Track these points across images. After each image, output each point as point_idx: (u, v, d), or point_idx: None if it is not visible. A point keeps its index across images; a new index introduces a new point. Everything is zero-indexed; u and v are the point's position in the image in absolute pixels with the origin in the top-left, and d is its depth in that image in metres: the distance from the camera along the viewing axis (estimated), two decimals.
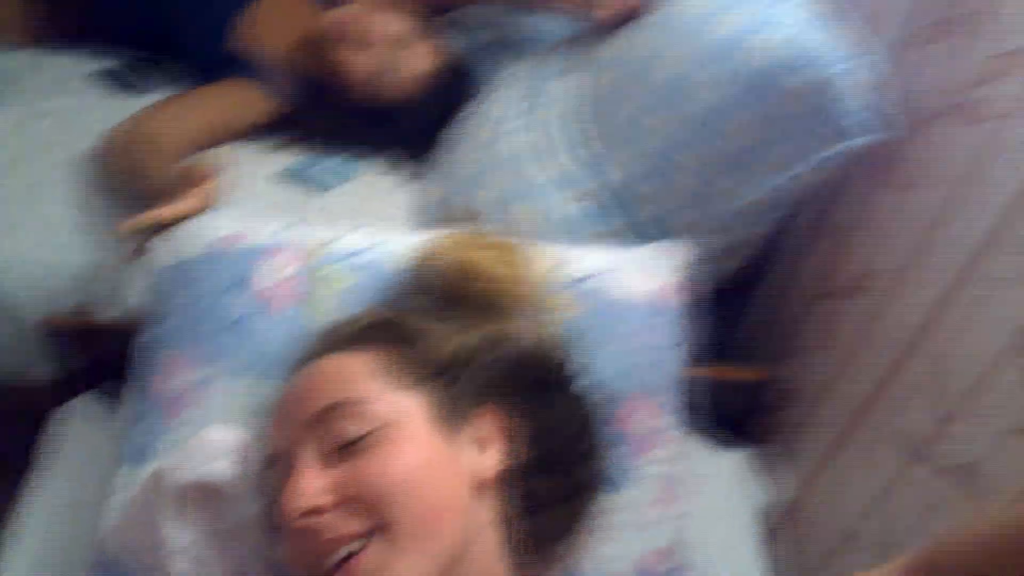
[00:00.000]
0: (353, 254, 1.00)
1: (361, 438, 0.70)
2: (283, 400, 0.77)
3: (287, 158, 1.46)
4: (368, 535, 0.67)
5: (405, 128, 1.48)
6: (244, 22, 1.51)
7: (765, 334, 1.26)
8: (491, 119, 1.36)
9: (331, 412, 0.71)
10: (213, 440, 0.84)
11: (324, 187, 1.42)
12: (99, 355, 1.15)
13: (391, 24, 1.45)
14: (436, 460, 0.72)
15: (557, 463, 0.82)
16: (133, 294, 1.23)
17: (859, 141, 0.97)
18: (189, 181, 1.13)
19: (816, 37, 1.01)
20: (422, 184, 1.44)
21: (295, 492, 0.68)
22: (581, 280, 1.00)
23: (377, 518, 0.67)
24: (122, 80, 1.54)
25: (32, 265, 1.24)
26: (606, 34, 1.30)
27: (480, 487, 0.75)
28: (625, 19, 1.28)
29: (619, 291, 1.03)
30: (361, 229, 1.05)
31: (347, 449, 0.70)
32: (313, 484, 0.69)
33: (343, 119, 1.49)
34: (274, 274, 0.97)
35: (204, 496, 0.81)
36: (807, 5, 1.10)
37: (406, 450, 0.70)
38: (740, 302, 1.30)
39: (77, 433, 1.09)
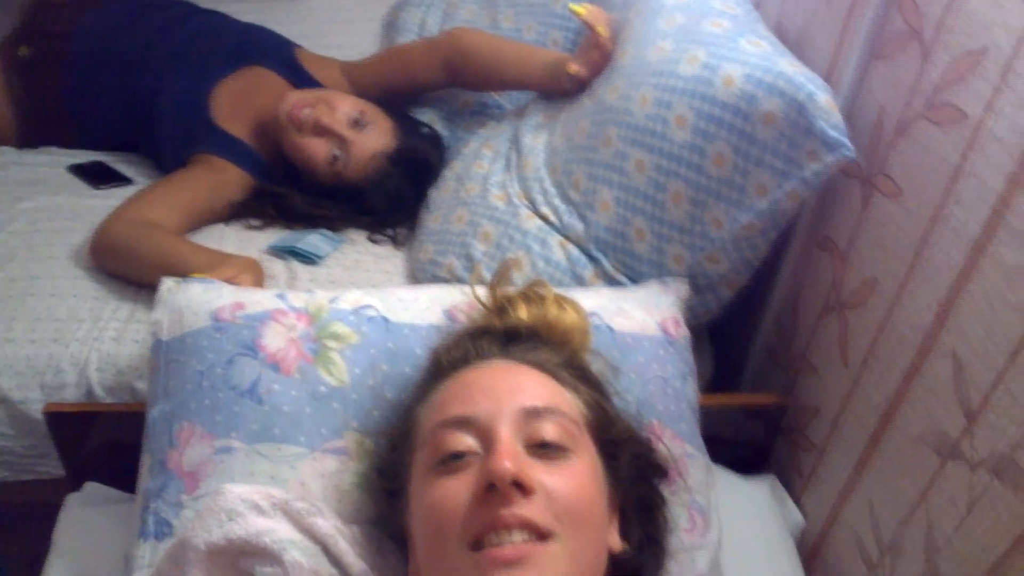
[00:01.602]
0: (357, 310, 1.00)
1: (560, 448, 0.73)
2: (488, 383, 0.78)
3: (271, 235, 1.47)
4: (541, 535, 0.67)
5: (374, 204, 1.50)
6: (212, 101, 1.54)
7: (777, 358, 1.26)
8: (477, 176, 1.38)
9: (543, 413, 0.74)
10: (232, 497, 0.82)
11: (312, 260, 1.42)
12: (105, 441, 1.13)
13: (345, 108, 1.47)
14: (603, 512, 0.76)
15: (644, 516, 0.83)
16: (136, 377, 1.22)
17: (836, 157, 0.99)
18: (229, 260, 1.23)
19: (783, 65, 1.03)
20: (411, 246, 1.44)
21: (508, 455, 0.69)
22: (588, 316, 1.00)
23: (554, 524, 0.68)
24: (94, 175, 1.56)
25: (29, 359, 1.22)
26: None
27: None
28: (597, 73, 1.32)
29: (623, 326, 1.04)
30: (359, 288, 1.05)
31: (543, 448, 0.73)
32: (520, 458, 0.70)
33: (314, 196, 1.51)
34: (282, 336, 0.96)
35: (231, 555, 0.79)
36: (767, 36, 1.14)
37: (590, 485, 0.74)
38: (748, 331, 1.30)
39: (88, 518, 1.06)
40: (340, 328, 0.97)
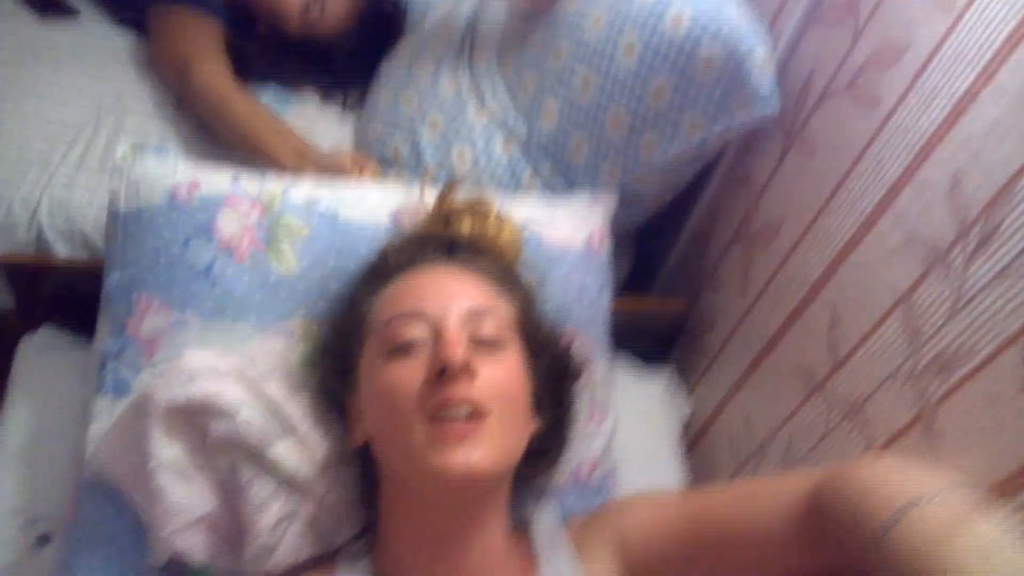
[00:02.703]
0: (309, 204, 1.06)
1: (495, 342, 0.85)
2: (437, 285, 0.89)
3: None
4: (481, 413, 0.80)
5: (337, 63, 1.51)
6: None
7: (688, 269, 1.39)
8: (431, 59, 1.41)
9: (483, 313, 0.86)
10: (194, 361, 0.93)
11: None
12: (58, 289, 1.19)
13: None
14: (527, 397, 0.89)
15: (555, 409, 0.96)
16: (87, 224, 1.27)
17: (762, 112, 1.08)
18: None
19: (730, 14, 1.09)
20: (360, 119, 1.48)
21: (458, 344, 0.81)
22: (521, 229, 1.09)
23: (491, 403, 0.81)
24: (40, 3, 1.51)
25: None
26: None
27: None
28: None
29: (553, 239, 1.13)
30: (310, 181, 1.11)
31: (482, 343, 0.85)
32: (467, 349, 0.82)
33: (276, 51, 1.51)
34: (236, 222, 1.03)
35: (189, 412, 0.90)
36: None
37: (519, 375, 0.87)
38: (667, 240, 1.42)
39: (45, 362, 1.14)
40: (292, 220, 1.04)
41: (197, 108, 1.38)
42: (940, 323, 0.82)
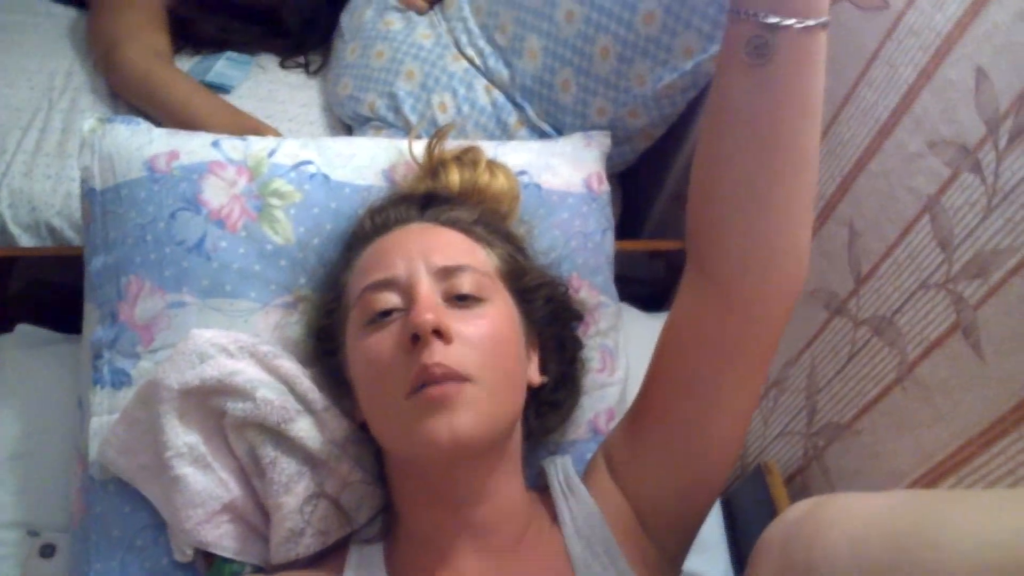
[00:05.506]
0: (297, 166, 1.00)
1: (475, 298, 0.81)
2: (405, 247, 0.84)
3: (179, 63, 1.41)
4: (461, 379, 0.75)
5: (290, 21, 1.45)
6: None
7: (682, 209, 1.35)
8: (397, 9, 1.34)
9: (458, 270, 0.82)
10: (201, 341, 0.87)
11: (226, 88, 1.38)
12: (32, 282, 1.12)
13: None
14: (519, 351, 0.84)
15: (561, 355, 0.94)
16: (52, 214, 1.20)
17: None
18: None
19: None
20: (326, 78, 1.42)
21: (429, 308, 0.76)
22: (518, 175, 1.05)
23: (471, 367, 0.76)
24: None
25: None
26: None
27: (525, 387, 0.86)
28: None
29: (551, 184, 1.08)
30: (296, 139, 1.05)
31: (460, 300, 0.81)
32: (439, 310, 0.77)
33: (222, 15, 1.44)
34: (223, 191, 0.97)
35: (203, 395, 0.85)
36: None
37: (505, 328, 0.82)
38: (654, 181, 1.38)
39: (26, 360, 1.08)
40: (282, 185, 0.98)
41: (123, 91, 1.30)
42: (974, 224, 0.80)
